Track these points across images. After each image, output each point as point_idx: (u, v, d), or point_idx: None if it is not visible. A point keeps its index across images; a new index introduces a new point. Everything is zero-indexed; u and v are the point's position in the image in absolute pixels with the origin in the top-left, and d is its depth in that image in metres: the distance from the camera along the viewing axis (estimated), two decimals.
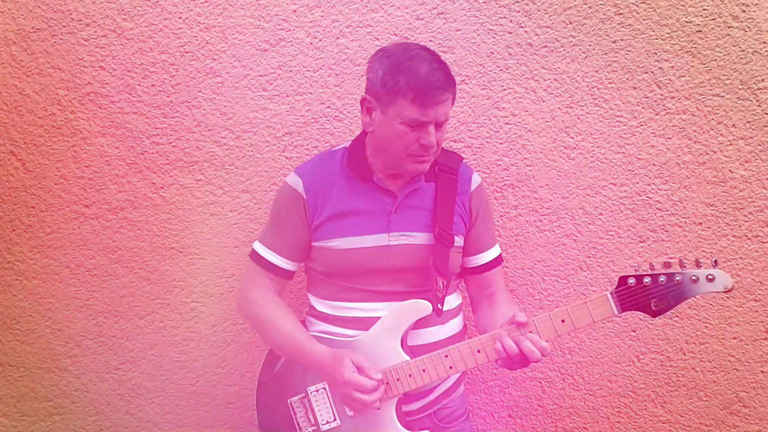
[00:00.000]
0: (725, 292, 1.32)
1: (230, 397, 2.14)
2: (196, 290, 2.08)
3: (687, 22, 1.87)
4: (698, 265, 1.32)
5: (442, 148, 1.66)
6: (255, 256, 1.64)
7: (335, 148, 1.65)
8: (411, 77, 1.42)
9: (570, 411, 2.10)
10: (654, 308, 1.35)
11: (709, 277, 1.31)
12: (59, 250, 2.06)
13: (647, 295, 1.35)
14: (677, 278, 1.33)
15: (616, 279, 1.38)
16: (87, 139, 2.01)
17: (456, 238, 1.57)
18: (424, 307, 1.51)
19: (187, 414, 2.15)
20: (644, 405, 2.07)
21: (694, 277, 1.32)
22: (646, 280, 1.35)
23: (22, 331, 2.12)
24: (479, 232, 1.65)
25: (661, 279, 1.34)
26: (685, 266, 1.33)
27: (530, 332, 1.40)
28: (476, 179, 1.66)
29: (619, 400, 2.07)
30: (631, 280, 1.36)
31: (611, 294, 1.37)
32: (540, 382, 2.09)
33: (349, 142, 1.63)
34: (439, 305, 1.52)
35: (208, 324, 2.10)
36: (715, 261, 1.32)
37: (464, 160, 1.67)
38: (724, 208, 1.95)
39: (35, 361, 2.13)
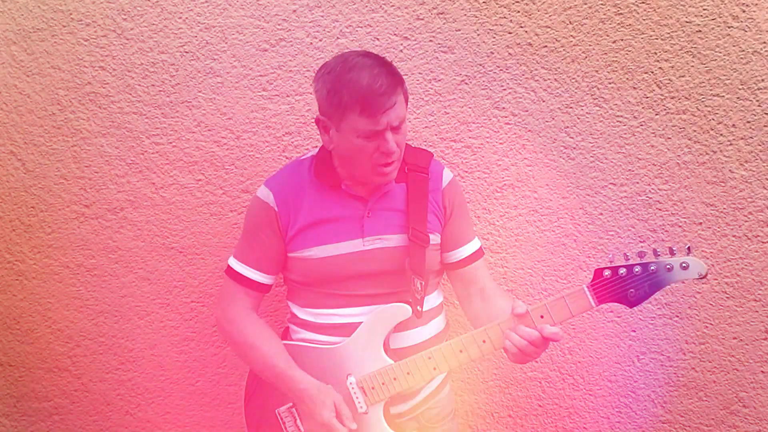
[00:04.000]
0: (700, 278, 1.33)
1: (230, 397, 2.14)
2: (196, 290, 2.08)
3: (687, 22, 1.87)
4: (672, 253, 1.33)
5: (411, 146, 1.66)
6: (231, 272, 1.64)
7: (303, 157, 1.65)
8: (353, 90, 1.40)
9: (570, 411, 2.10)
10: (631, 299, 1.36)
11: (683, 264, 1.32)
12: (59, 250, 2.06)
13: (623, 287, 1.36)
14: (652, 267, 1.34)
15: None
16: (87, 139, 2.01)
17: (431, 236, 1.57)
18: (403, 310, 1.51)
19: (187, 414, 2.15)
20: (644, 405, 2.07)
21: (668, 266, 1.33)
22: (622, 271, 1.36)
23: (22, 331, 2.12)
24: (455, 227, 1.64)
25: (636, 269, 1.35)
26: (659, 255, 1.34)
27: (541, 317, 1.40)
28: (447, 175, 1.65)
29: (619, 400, 2.08)
30: (607, 272, 1.37)
31: (587, 287, 1.38)
32: (540, 382, 2.10)
33: (317, 150, 1.63)
34: (418, 307, 1.52)
35: (208, 324, 2.10)
36: (689, 248, 1.33)
37: (434, 156, 1.65)
38: (724, 208, 1.95)
39: (35, 361, 2.13)
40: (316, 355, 1.55)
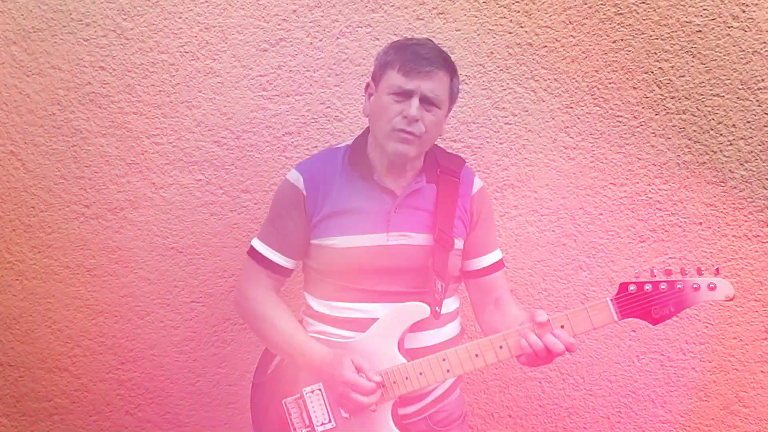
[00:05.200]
0: (726, 300, 1.31)
1: (230, 397, 2.14)
2: (196, 290, 2.08)
3: (687, 22, 1.87)
4: (700, 273, 1.32)
5: (445, 150, 1.66)
6: (253, 253, 1.63)
7: (338, 146, 1.65)
8: (401, 51, 1.47)
9: (570, 411, 2.10)
10: (654, 316, 1.34)
11: (711, 285, 1.30)
12: (59, 250, 2.06)
13: (648, 303, 1.34)
14: (678, 286, 1.32)
15: (617, 284, 1.38)
16: (87, 139, 2.01)
17: (456, 240, 1.57)
18: (422, 309, 1.50)
19: (187, 414, 2.15)
20: (644, 405, 2.07)
21: (695, 285, 1.31)
22: (647, 287, 1.34)
23: (22, 331, 2.12)
24: (479, 236, 1.64)
25: (662, 286, 1.33)
26: (686, 274, 1.33)
27: (562, 326, 1.40)
28: (478, 183, 1.65)
29: (619, 400, 2.08)
30: (632, 287, 1.35)
31: (611, 300, 1.37)
32: (540, 382, 2.09)
33: (352, 140, 1.63)
34: (437, 308, 1.51)
35: (208, 324, 2.10)
36: (717, 269, 1.32)
37: (467, 164, 1.67)
38: (724, 208, 1.95)
39: (35, 361, 2.13)
40: (330, 348, 1.55)
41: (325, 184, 1.57)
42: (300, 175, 1.58)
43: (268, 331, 1.60)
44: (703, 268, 1.32)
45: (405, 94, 1.45)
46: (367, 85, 1.56)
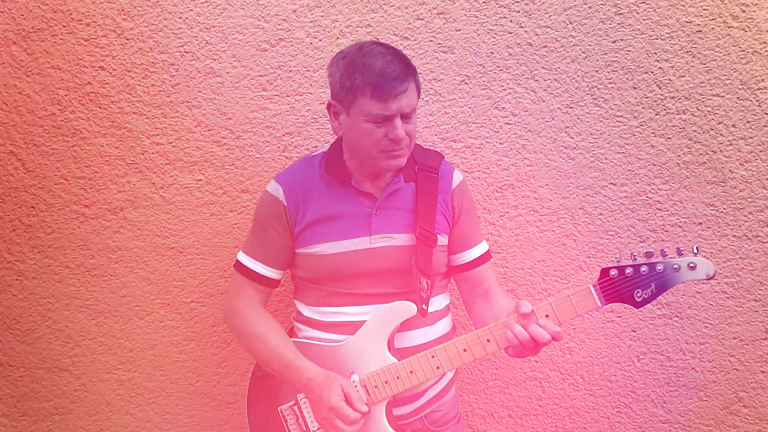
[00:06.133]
0: (707, 279, 1.32)
1: (230, 397, 2.14)
2: (196, 290, 2.08)
3: (687, 22, 1.87)
4: (679, 253, 1.33)
5: (422, 147, 1.67)
6: (239, 266, 1.64)
7: (314, 153, 1.66)
8: (366, 74, 1.42)
9: (570, 411, 2.10)
10: (637, 299, 1.35)
11: (691, 264, 1.31)
12: (59, 250, 2.06)
13: (630, 286, 1.35)
14: (659, 267, 1.33)
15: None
16: (87, 139, 2.01)
17: (439, 237, 1.57)
18: (408, 308, 1.50)
19: (187, 414, 2.15)
20: (644, 405, 2.07)
21: (675, 266, 1.32)
22: (628, 271, 1.35)
23: (22, 331, 2.12)
24: (463, 229, 1.64)
25: (643, 269, 1.34)
26: (666, 255, 1.34)
27: (547, 316, 1.40)
28: (458, 176, 1.65)
29: (619, 400, 2.08)
30: (613, 272, 1.36)
31: (594, 286, 1.37)
32: (540, 382, 2.09)
33: (328, 147, 1.64)
34: (424, 306, 1.52)
35: (208, 324, 2.10)
36: (697, 248, 1.32)
37: (445, 158, 1.67)
38: (724, 208, 1.95)
39: (35, 361, 2.13)
40: (320, 353, 1.55)
41: (305, 193, 1.57)
42: (279, 186, 1.59)
43: (259, 348, 1.60)
44: (682, 249, 1.32)
45: (386, 119, 1.44)
46: (330, 105, 1.52)
